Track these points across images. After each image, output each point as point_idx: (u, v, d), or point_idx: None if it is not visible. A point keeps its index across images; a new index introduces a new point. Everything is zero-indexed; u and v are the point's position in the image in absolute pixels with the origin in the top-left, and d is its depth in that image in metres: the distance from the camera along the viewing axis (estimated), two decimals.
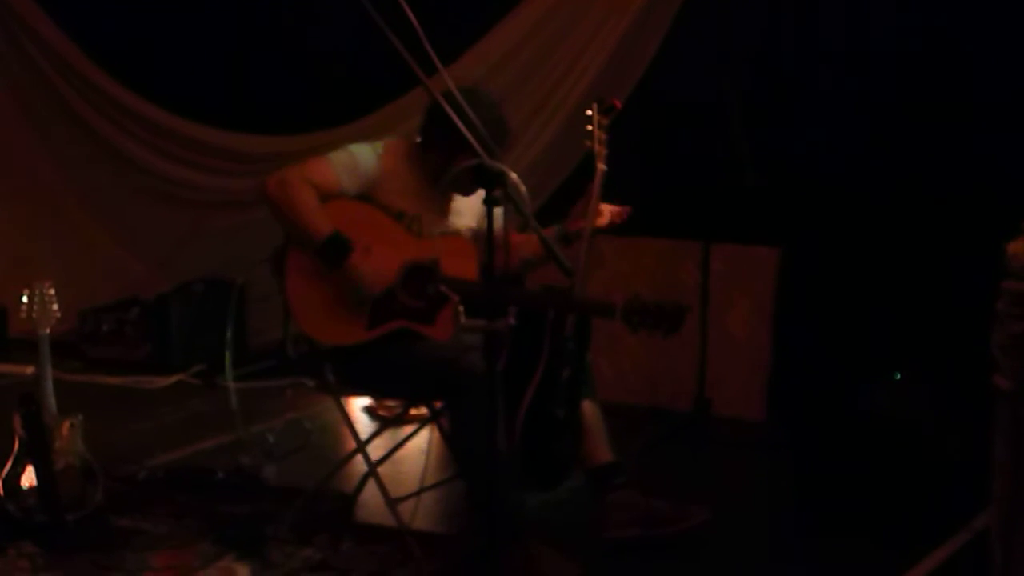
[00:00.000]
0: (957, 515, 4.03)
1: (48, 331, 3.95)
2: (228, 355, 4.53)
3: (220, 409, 5.27)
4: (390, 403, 5.16)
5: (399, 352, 3.81)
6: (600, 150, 3.97)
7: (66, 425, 3.93)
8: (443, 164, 3.81)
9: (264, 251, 3.91)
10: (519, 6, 5.77)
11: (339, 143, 3.93)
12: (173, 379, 5.95)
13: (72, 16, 6.68)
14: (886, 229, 5.13)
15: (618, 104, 4.04)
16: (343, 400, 4.14)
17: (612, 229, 4.04)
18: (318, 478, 4.22)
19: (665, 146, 5.57)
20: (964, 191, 4.96)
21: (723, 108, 5.29)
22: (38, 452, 3.87)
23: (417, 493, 4.03)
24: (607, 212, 3.99)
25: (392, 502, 3.89)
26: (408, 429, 4.47)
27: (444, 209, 3.97)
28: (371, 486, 4.09)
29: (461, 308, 3.10)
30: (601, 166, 3.96)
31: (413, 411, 4.51)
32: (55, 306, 3.96)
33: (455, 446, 3.92)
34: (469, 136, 3.15)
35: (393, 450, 4.34)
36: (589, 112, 4.01)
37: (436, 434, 4.25)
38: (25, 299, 3.94)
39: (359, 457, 4.04)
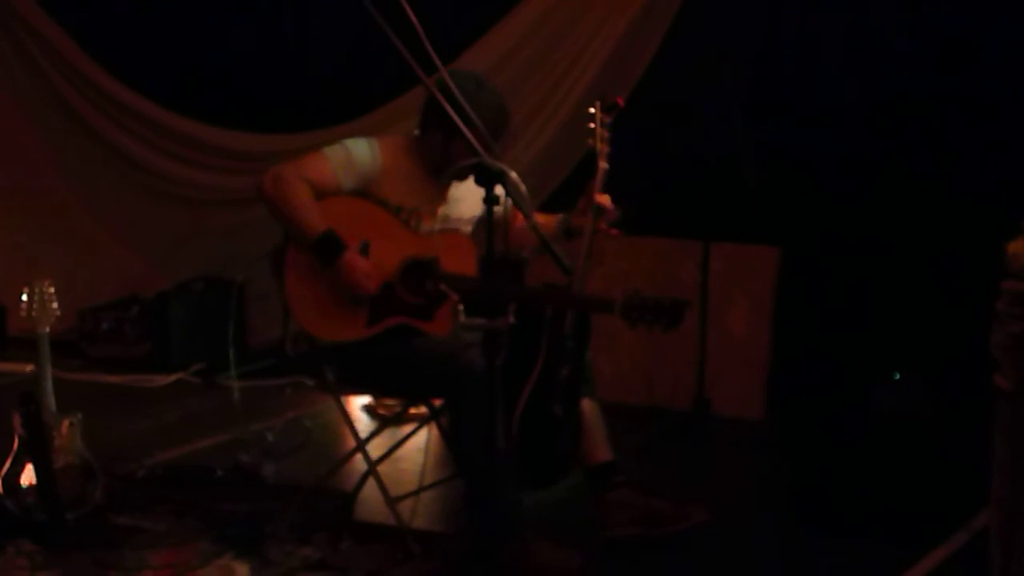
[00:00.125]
0: (957, 515, 4.03)
1: (48, 329, 3.95)
2: (231, 353, 4.53)
3: (220, 407, 5.29)
4: (389, 402, 5.17)
5: (398, 349, 3.81)
6: (603, 148, 3.96)
7: (65, 423, 3.93)
8: (442, 147, 3.81)
9: (264, 249, 3.91)
10: (519, 6, 5.77)
11: (337, 140, 3.92)
12: (172, 377, 5.95)
13: (71, 14, 6.67)
14: (886, 228, 5.13)
15: (621, 102, 4.03)
16: (342, 399, 4.15)
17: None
18: (317, 476, 4.22)
19: (665, 146, 5.56)
20: (964, 191, 4.96)
21: (723, 107, 5.29)
22: (38, 450, 3.87)
23: (416, 492, 4.04)
24: (610, 205, 3.96)
25: (391, 501, 3.89)
26: (407, 428, 4.46)
27: (443, 198, 3.95)
28: (370, 485, 4.10)
29: (460, 306, 3.10)
30: (603, 164, 3.95)
31: (412, 410, 4.51)
32: (55, 304, 3.96)
33: (454, 444, 3.92)
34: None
35: (392, 449, 4.34)
36: (592, 110, 4.00)
37: (435, 433, 4.25)
38: (25, 297, 3.94)
39: (358, 456, 4.04)
